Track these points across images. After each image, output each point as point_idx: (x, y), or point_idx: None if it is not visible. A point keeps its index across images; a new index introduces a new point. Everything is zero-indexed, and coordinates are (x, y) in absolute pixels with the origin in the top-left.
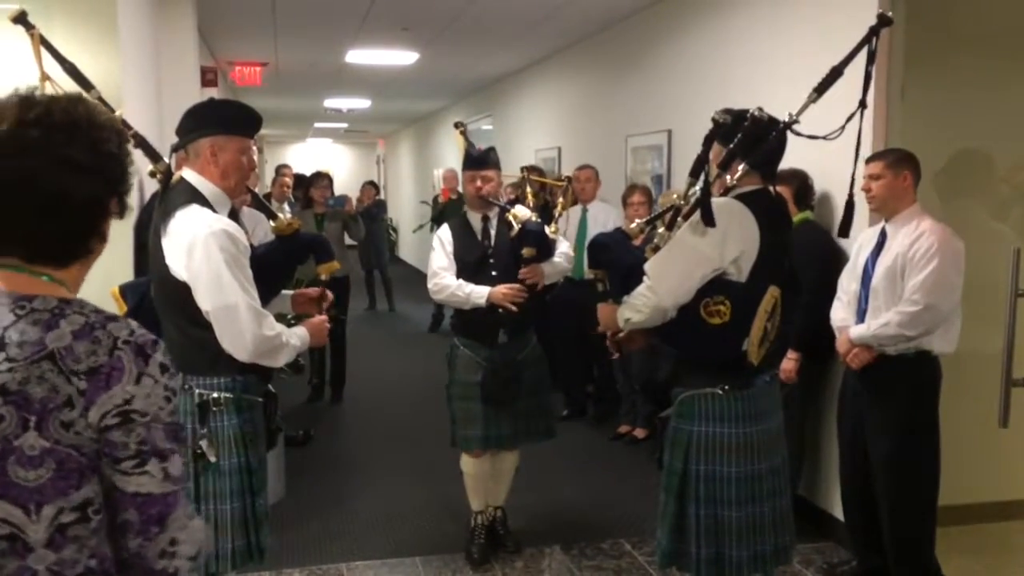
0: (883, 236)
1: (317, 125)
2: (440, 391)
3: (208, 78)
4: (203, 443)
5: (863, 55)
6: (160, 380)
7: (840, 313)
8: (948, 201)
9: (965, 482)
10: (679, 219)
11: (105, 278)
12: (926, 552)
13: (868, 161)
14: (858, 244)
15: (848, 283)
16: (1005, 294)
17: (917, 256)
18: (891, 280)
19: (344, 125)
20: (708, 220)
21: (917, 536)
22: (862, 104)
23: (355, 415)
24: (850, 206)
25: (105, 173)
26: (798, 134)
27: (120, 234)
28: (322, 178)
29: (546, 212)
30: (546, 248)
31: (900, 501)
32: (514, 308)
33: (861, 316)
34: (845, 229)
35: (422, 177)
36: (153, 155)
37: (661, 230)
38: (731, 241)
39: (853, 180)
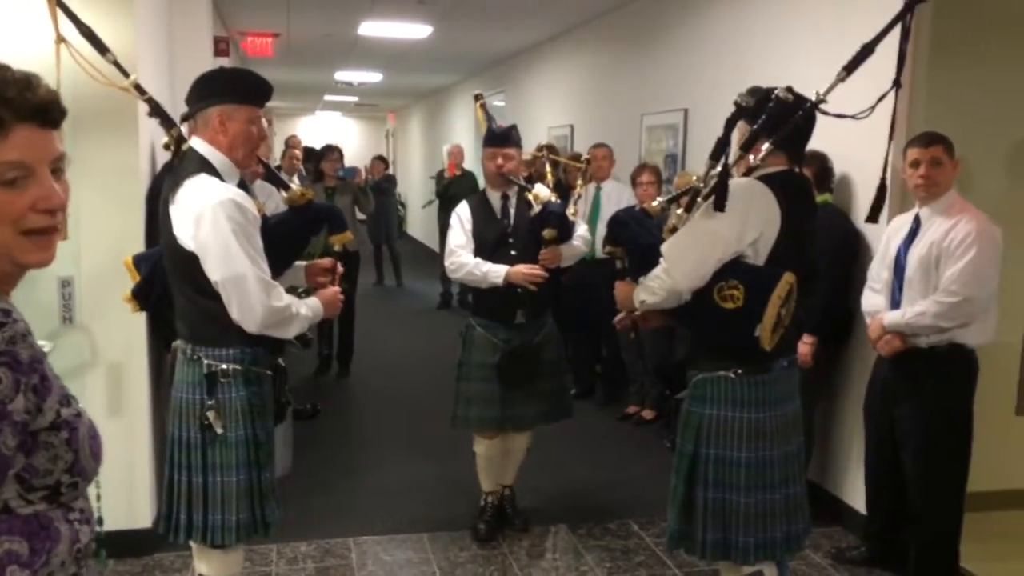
0: (916, 223)
1: (327, 98)
2: (448, 368)
3: (220, 48)
4: (210, 414)
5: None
6: None
7: (873, 300)
8: (971, 186)
9: (983, 471)
10: (699, 200)
11: (118, 247)
12: (951, 541)
13: (923, 145)
14: (888, 231)
15: (879, 271)
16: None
17: (954, 245)
18: (926, 269)
19: (354, 99)
20: (719, 205)
21: (944, 526)
22: (896, 84)
23: (363, 390)
24: (882, 191)
25: None
26: (826, 113)
27: (132, 203)
28: (333, 151)
29: (560, 191)
30: (566, 230)
31: (929, 492)
32: (533, 288)
33: (895, 305)
34: (875, 214)
35: (432, 153)
36: (168, 121)
37: (679, 211)
38: (750, 223)
39: (886, 163)
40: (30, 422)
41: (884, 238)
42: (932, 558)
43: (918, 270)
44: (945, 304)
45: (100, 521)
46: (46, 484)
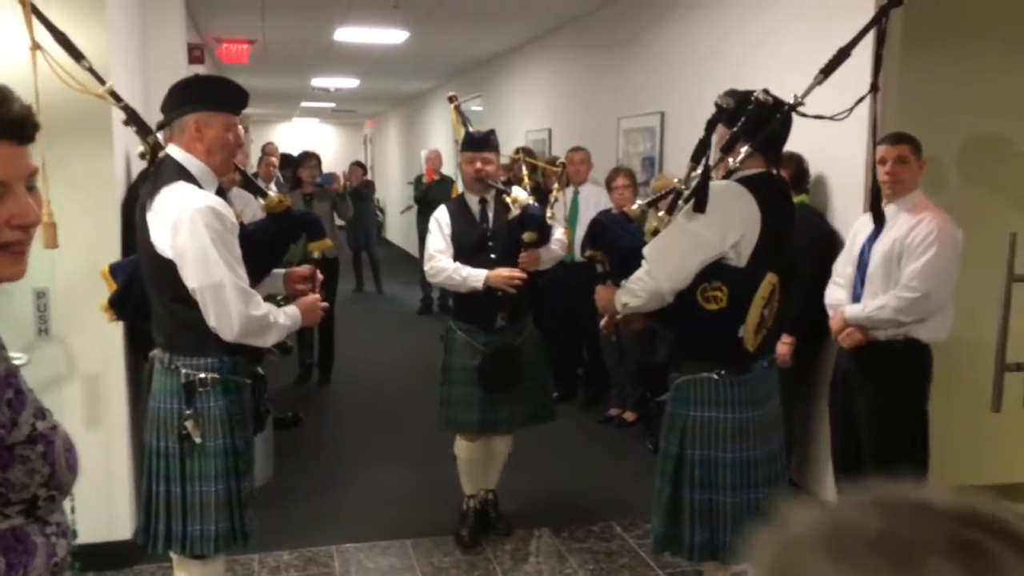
0: (882, 219)
1: (304, 104)
2: (429, 373)
3: (195, 55)
4: (188, 424)
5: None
6: None
7: (836, 294)
8: (946, 185)
9: (956, 466)
10: (680, 203)
11: (94, 257)
12: None
13: (891, 144)
14: (855, 228)
15: (844, 267)
16: (998, 279)
17: (916, 242)
18: (887, 265)
19: (331, 104)
20: (700, 207)
21: None
22: (874, 87)
23: (344, 397)
24: (876, 193)
25: None
26: (804, 115)
27: (108, 212)
28: (311, 158)
29: (537, 194)
30: (545, 233)
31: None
32: (513, 291)
33: (857, 300)
34: (879, 218)
35: (410, 158)
36: (144, 128)
37: (661, 214)
38: (732, 225)
39: (875, 165)
40: (6, 436)
41: (851, 234)
42: None
43: (880, 265)
44: (904, 299)
45: (74, 534)
46: (23, 498)
